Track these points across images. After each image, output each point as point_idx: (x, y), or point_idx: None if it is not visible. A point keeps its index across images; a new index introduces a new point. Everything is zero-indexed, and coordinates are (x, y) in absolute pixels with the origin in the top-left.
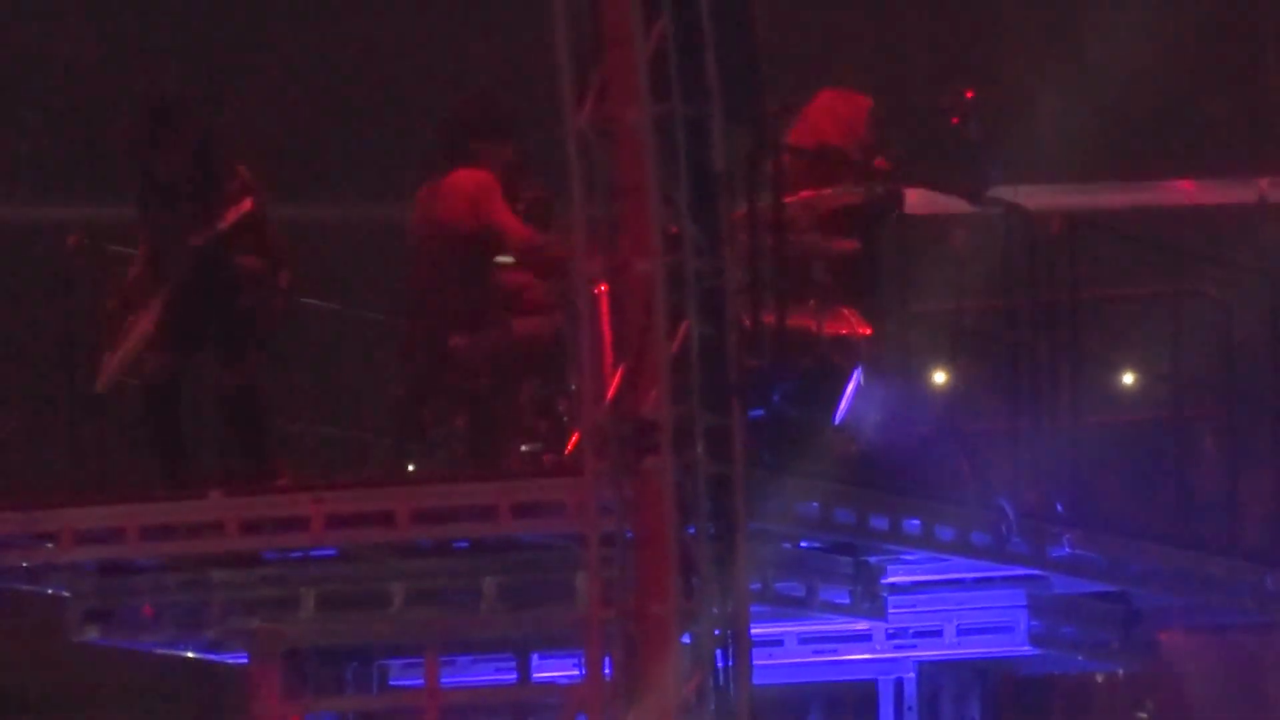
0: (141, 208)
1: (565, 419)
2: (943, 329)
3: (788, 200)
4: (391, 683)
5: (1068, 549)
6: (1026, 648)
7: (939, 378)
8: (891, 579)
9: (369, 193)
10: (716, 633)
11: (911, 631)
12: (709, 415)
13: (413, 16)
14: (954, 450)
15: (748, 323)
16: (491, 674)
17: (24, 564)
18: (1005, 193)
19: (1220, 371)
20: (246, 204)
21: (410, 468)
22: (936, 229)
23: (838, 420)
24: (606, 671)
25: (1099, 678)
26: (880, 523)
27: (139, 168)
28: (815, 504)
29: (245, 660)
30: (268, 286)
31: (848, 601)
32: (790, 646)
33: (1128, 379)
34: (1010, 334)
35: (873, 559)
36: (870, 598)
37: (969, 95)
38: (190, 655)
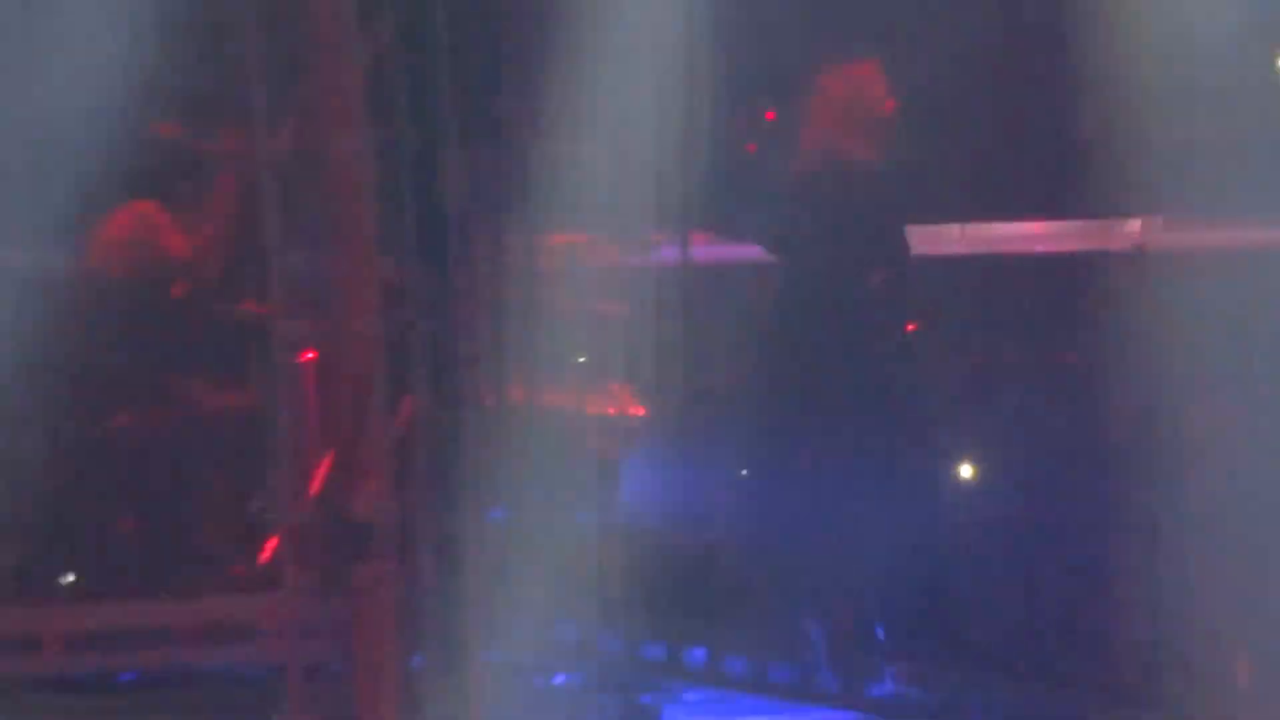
0: None
1: (260, 520)
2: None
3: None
4: None
5: (890, 685)
6: None
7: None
8: None
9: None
10: None
11: None
12: (439, 516)
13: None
14: (744, 559)
15: (488, 400)
16: None
17: None
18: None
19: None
20: None
21: (68, 578)
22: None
23: (604, 522)
24: None
25: None
26: (655, 652)
27: None
28: (572, 627)
29: None
30: None
31: None
32: None
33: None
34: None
35: (646, 698)
36: None
37: (769, 117)
38: None
